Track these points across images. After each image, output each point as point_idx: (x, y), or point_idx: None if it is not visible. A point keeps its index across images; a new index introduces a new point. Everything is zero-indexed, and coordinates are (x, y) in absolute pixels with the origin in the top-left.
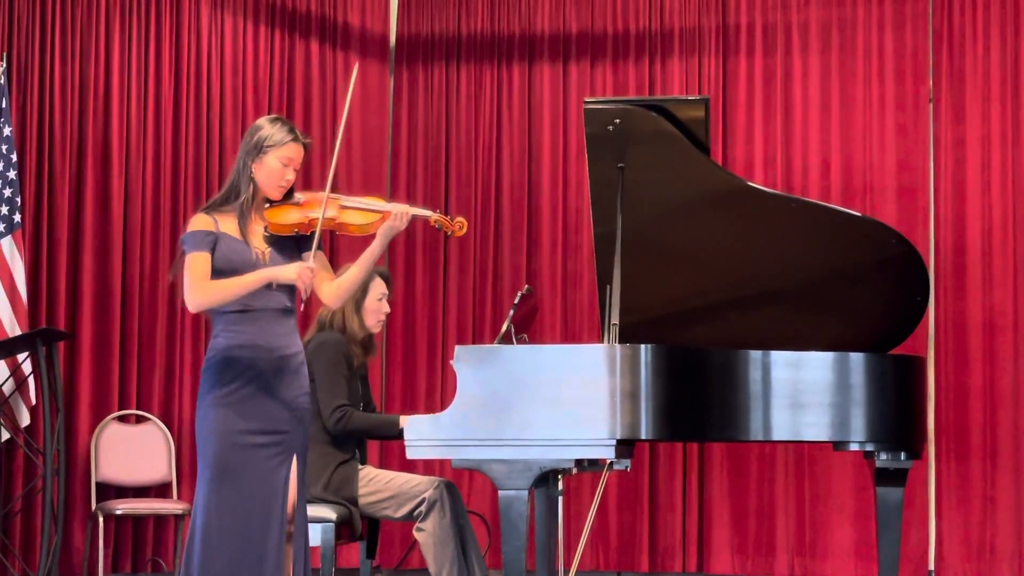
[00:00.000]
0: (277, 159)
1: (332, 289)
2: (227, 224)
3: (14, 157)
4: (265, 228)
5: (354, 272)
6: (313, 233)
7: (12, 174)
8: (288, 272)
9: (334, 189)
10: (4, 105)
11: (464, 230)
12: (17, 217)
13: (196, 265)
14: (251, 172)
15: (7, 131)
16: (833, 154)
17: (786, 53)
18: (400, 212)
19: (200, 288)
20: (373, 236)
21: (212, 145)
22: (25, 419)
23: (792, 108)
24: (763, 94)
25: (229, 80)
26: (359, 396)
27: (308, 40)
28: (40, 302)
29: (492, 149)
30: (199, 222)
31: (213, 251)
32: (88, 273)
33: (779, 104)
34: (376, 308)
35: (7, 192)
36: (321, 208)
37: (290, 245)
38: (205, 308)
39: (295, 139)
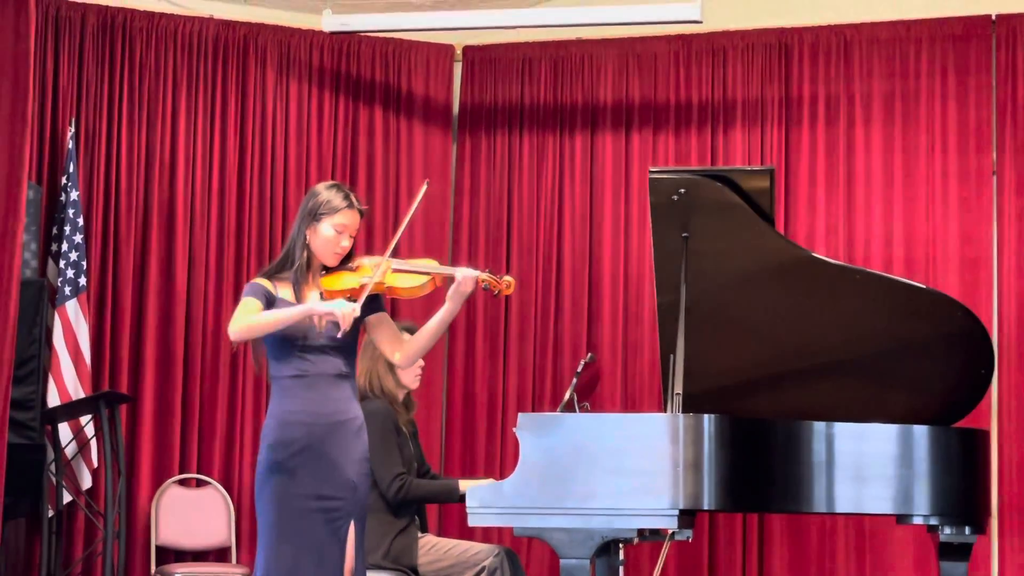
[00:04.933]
0: (332, 226)
1: (400, 352)
2: (284, 290)
3: (80, 221)
4: (320, 295)
5: (425, 336)
6: (370, 298)
7: (78, 238)
8: (326, 304)
9: (395, 253)
10: (72, 170)
11: (512, 289)
12: (83, 280)
13: (247, 304)
14: (306, 239)
15: (74, 195)
16: (896, 225)
17: (849, 124)
18: (464, 276)
19: (242, 318)
20: (422, 298)
21: (276, 211)
22: (87, 482)
23: (854, 179)
24: (825, 165)
25: (293, 146)
26: (412, 458)
27: (372, 107)
28: (103, 365)
29: (554, 217)
30: (258, 282)
31: (268, 308)
32: (151, 337)
33: (841, 175)
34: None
35: (73, 256)
36: (372, 272)
37: None
38: (244, 337)
39: (350, 206)
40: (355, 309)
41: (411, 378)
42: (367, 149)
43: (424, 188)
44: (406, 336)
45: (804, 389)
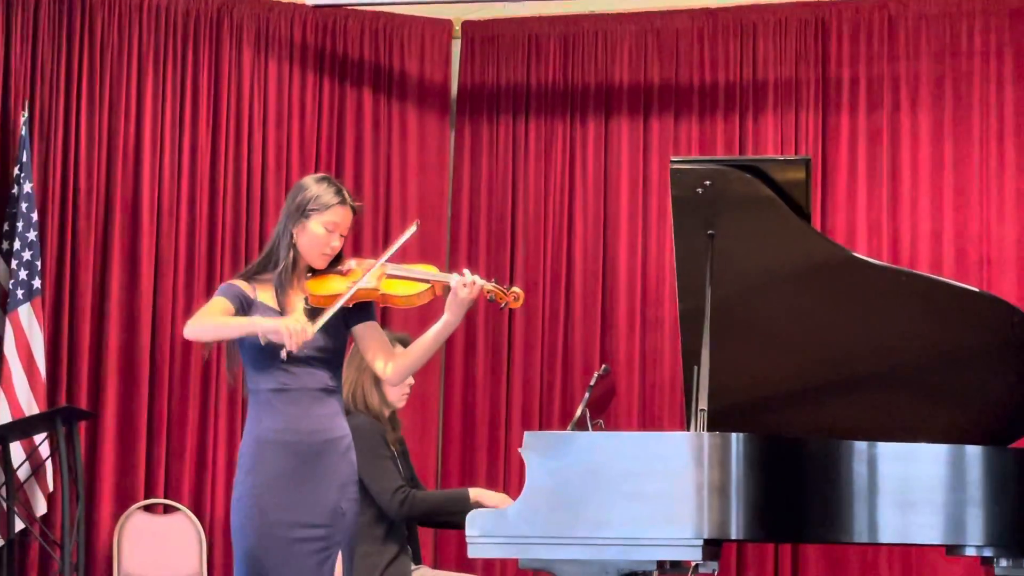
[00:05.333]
0: (321, 224)
1: (391, 366)
2: (265, 294)
3: (35, 216)
4: (305, 300)
5: (420, 349)
6: (359, 306)
7: (32, 235)
8: (269, 324)
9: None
10: (25, 159)
11: (520, 302)
12: (37, 283)
13: (214, 303)
14: (292, 237)
15: (28, 187)
16: (945, 222)
17: (893, 109)
18: (463, 284)
19: (199, 316)
20: (418, 308)
21: (253, 206)
22: (42, 507)
23: (899, 170)
24: (867, 155)
25: (272, 134)
26: (408, 476)
27: (361, 90)
28: (60, 377)
29: (563, 213)
30: (234, 283)
31: (244, 313)
32: (113, 346)
33: (885, 166)
34: None
35: (26, 255)
36: (362, 277)
37: (334, 320)
38: (192, 336)
39: (342, 202)
40: (307, 330)
41: (398, 396)
42: (355, 137)
43: (413, 229)
44: (399, 349)
45: (843, 404)
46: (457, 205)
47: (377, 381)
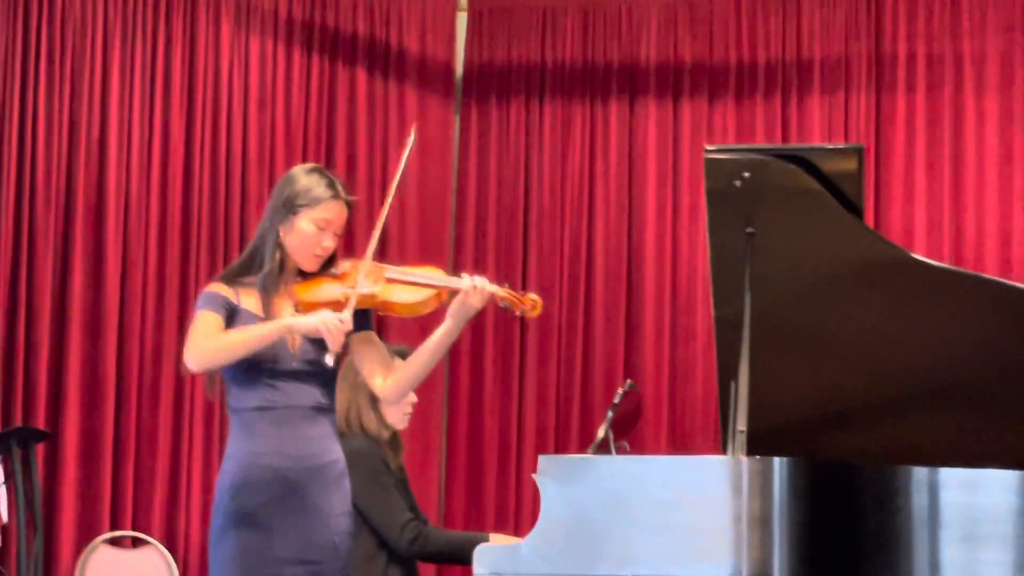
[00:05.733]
0: (312, 221)
1: (388, 382)
2: (248, 299)
3: None
4: (295, 307)
5: (419, 362)
6: (355, 313)
7: None
8: (309, 321)
9: (383, 257)
10: None
11: (538, 311)
12: None
13: (204, 320)
14: (279, 237)
15: None
16: (1015, 219)
17: (956, 90)
18: (473, 289)
19: (203, 340)
20: (422, 317)
21: (232, 200)
22: None
23: (963, 160)
24: (926, 142)
25: (255, 119)
26: (411, 507)
27: (354, 69)
28: (15, 394)
29: (583, 208)
30: (216, 289)
31: (229, 323)
32: (75, 358)
33: (947, 155)
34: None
35: None
36: (360, 280)
37: None
38: (208, 365)
39: (335, 196)
40: (344, 321)
41: (398, 416)
42: (347, 122)
43: (411, 140)
44: (398, 363)
45: (900, 425)
46: (462, 199)
47: (374, 400)
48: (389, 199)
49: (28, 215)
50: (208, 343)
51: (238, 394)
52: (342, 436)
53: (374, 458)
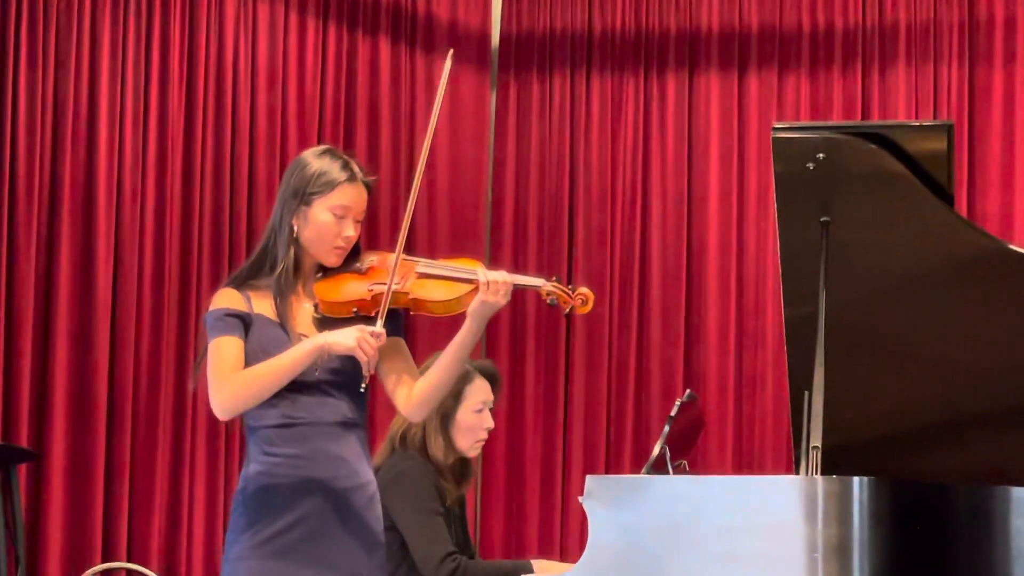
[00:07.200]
0: (328, 209)
1: (412, 395)
2: (262, 303)
3: None
4: (315, 307)
5: (440, 370)
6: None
7: None
8: (344, 338)
9: (411, 250)
10: None
11: (589, 306)
12: None
13: (224, 352)
14: (292, 229)
15: None
16: None
17: None
18: (493, 282)
19: (228, 379)
20: (464, 315)
21: (239, 187)
22: None
23: None
24: None
25: (263, 95)
26: (459, 544)
27: (376, 38)
28: None
29: (636, 193)
30: (225, 298)
31: (246, 337)
32: (62, 370)
33: None
34: (473, 423)
35: None
36: (389, 275)
37: None
38: (241, 409)
39: (351, 178)
40: (378, 335)
41: (470, 443)
42: (369, 97)
43: (448, 64)
44: None
45: (997, 441)
46: (500, 183)
47: (446, 421)
48: (420, 168)
49: (8, 208)
50: (236, 384)
51: (255, 411)
52: (392, 452)
53: (426, 479)
